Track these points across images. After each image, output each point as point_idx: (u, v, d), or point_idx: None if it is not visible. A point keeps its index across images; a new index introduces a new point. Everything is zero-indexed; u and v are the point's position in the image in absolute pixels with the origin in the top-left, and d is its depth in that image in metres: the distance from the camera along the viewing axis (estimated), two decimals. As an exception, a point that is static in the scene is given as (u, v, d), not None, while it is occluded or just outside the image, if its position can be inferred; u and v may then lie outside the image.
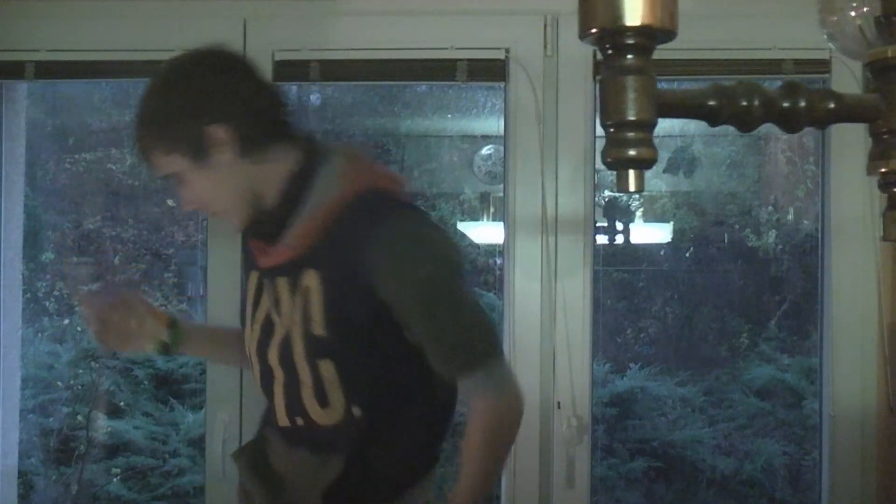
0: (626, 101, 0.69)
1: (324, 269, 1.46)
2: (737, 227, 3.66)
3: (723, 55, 2.27)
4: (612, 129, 0.70)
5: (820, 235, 2.40)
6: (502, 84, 2.32)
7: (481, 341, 1.49)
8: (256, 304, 1.60)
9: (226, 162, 1.46)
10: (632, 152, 0.69)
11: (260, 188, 1.50)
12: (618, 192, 0.66)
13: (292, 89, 2.99)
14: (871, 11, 0.83)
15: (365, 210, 1.46)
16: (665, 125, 3.63)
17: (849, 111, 0.76)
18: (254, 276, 1.61)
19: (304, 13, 2.32)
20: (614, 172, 0.71)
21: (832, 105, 0.75)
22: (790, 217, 3.64)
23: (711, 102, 0.73)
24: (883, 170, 0.77)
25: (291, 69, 2.34)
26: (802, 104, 0.74)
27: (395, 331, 1.47)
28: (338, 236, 1.46)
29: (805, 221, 3.55)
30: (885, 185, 0.79)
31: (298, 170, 1.50)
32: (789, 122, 0.75)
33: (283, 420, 1.56)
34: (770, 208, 3.66)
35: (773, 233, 3.61)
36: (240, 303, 1.70)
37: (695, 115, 0.74)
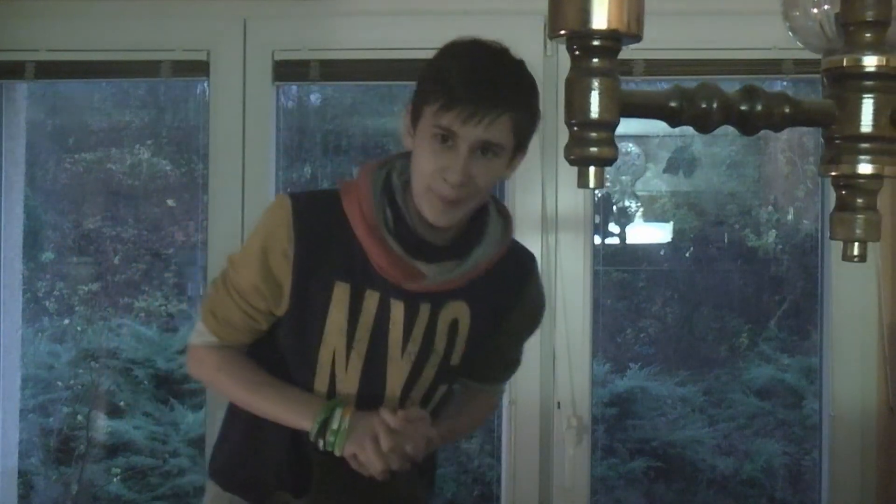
0: (590, 101, 0.71)
1: (474, 304, 1.53)
2: (737, 227, 3.65)
3: (723, 55, 2.27)
4: (575, 128, 0.73)
5: (820, 235, 2.40)
6: (502, 84, 2.32)
7: (515, 370, 1.76)
8: (379, 326, 1.50)
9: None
10: (594, 150, 0.72)
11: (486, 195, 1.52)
12: (578, 187, 0.70)
13: (292, 89, 2.99)
14: (832, 9, 0.85)
15: (516, 260, 1.61)
16: (664, 125, 3.59)
17: (804, 116, 0.79)
18: (373, 296, 1.49)
19: (304, 13, 2.33)
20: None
21: (788, 110, 0.78)
22: (790, 217, 3.63)
23: (672, 104, 0.76)
24: (834, 173, 0.80)
25: (291, 69, 2.34)
26: (759, 108, 0.77)
27: None
28: (495, 279, 1.54)
29: (805, 221, 3.55)
30: (836, 187, 0.82)
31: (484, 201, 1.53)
32: (747, 125, 0.78)
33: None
34: (770, 208, 3.66)
35: (773, 233, 3.61)
36: (310, 312, 1.51)
37: (656, 115, 0.77)
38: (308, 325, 1.50)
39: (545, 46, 2.31)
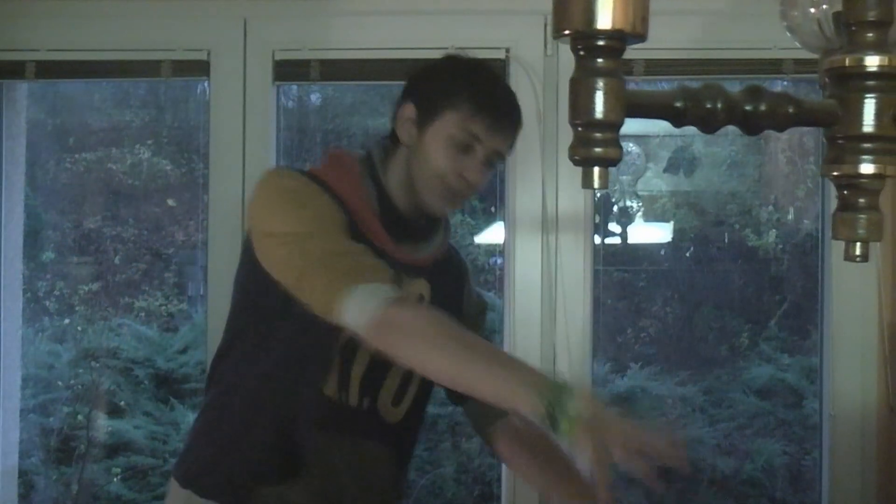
0: (594, 101, 0.71)
1: (434, 283, 1.61)
2: (737, 226, 3.66)
3: (723, 55, 2.27)
4: (579, 128, 0.73)
5: (820, 235, 2.40)
6: (502, 84, 2.32)
7: None
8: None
9: None
10: (598, 151, 0.72)
11: None
12: (583, 187, 0.69)
13: (292, 89, 2.99)
14: (830, 8, 0.85)
15: (458, 258, 1.76)
16: (665, 125, 3.60)
17: (807, 116, 0.79)
18: None
19: (304, 13, 2.33)
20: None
21: (791, 110, 0.78)
22: (790, 217, 3.64)
23: (677, 104, 0.76)
24: (836, 173, 0.80)
25: (291, 69, 2.34)
26: (763, 108, 0.77)
27: None
28: (444, 268, 1.66)
29: (805, 221, 3.55)
30: (838, 187, 0.82)
31: None
32: (750, 125, 0.78)
33: (353, 399, 1.54)
34: (770, 208, 3.66)
35: (773, 233, 3.61)
36: None
37: (661, 115, 0.77)
38: None
39: (545, 46, 2.31)
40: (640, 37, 0.71)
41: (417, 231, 1.60)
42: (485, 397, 1.33)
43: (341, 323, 1.35)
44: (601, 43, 0.71)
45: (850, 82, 0.78)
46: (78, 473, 3.35)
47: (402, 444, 1.65)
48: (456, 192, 1.54)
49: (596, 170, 0.72)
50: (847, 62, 0.77)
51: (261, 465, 1.53)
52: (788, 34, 0.95)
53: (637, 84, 2.29)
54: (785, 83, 2.35)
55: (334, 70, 2.34)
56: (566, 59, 2.36)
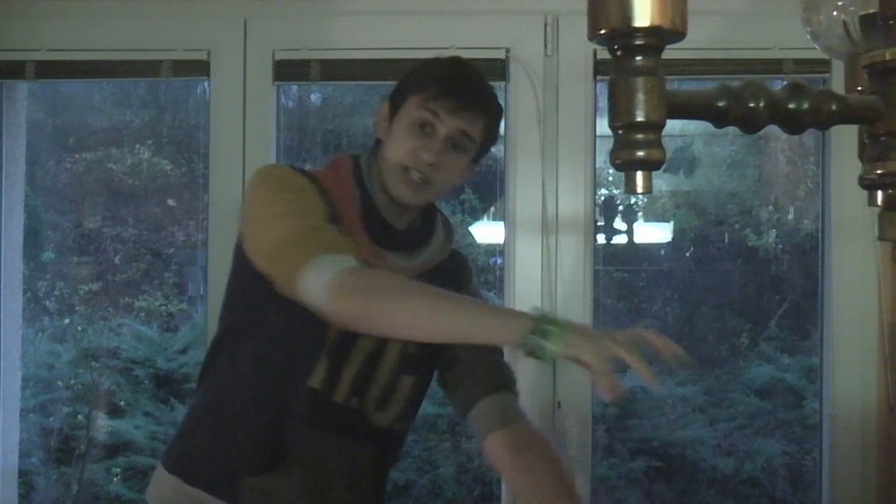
0: (635, 102, 0.69)
1: None
2: (737, 226, 3.66)
3: (723, 55, 2.27)
4: (620, 131, 0.70)
5: (820, 235, 2.40)
6: (502, 84, 2.32)
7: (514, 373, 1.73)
8: None
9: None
10: (641, 153, 0.69)
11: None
12: (626, 193, 0.66)
13: (292, 89, 2.99)
14: (856, 10, 0.84)
15: (456, 261, 1.69)
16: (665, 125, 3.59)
17: (850, 113, 0.76)
18: None
19: (304, 13, 2.33)
20: (618, 172, 0.71)
21: (835, 107, 0.75)
22: (790, 217, 3.64)
23: (720, 103, 0.73)
24: (880, 171, 0.77)
25: (291, 69, 2.34)
26: (806, 106, 0.74)
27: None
28: (438, 276, 1.55)
29: (805, 221, 3.55)
30: (882, 186, 0.79)
31: None
32: (793, 124, 0.75)
33: (340, 396, 1.54)
34: (770, 208, 3.66)
35: (773, 233, 3.61)
36: None
37: (703, 115, 0.74)
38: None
39: (545, 46, 2.31)
40: (680, 34, 0.68)
41: (406, 239, 1.58)
42: (467, 337, 1.34)
43: (303, 296, 1.34)
44: (639, 42, 0.68)
45: (892, 77, 0.75)
46: (78, 473, 3.35)
47: (386, 448, 1.64)
48: (415, 173, 1.51)
49: (639, 173, 0.70)
50: (887, 56, 0.75)
51: (246, 455, 1.54)
52: (810, 38, 0.92)
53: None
54: (785, 83, 2.35)
55: (334, 70, 2.34)
56: (566, 59, 2.36)
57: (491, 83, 1.61)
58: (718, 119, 0.74)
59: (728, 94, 0.73)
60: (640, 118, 0.68)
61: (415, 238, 1.60)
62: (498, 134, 1.63)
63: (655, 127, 0.69)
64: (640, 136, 0.69)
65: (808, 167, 3.53)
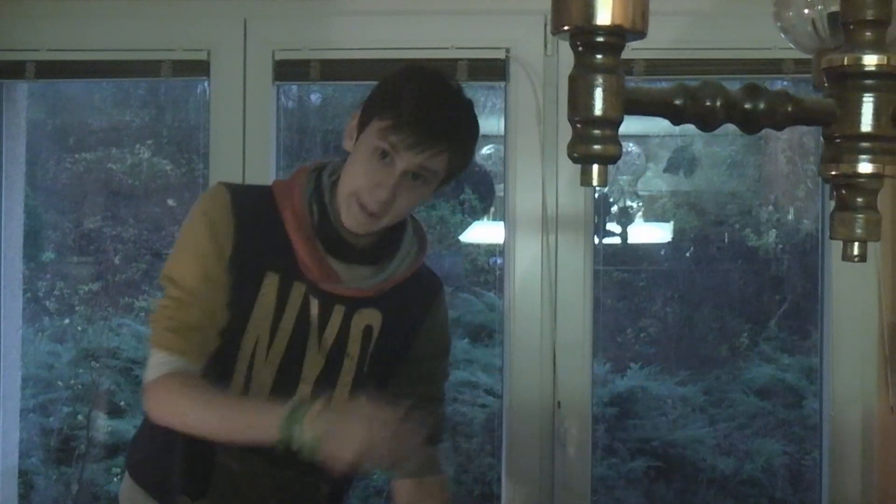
0: (594, 98, 0.71)
1: (387, 313, 1.57)
2: (737, 226, 3.66)
3: (723, 55, 2.27)
4: (578, 125, 0.72)
5: (820, 235, 2.40)
6: (502, 84, 2.32)
7: (444, 425, 1.77)
8: (302, 319, 1.53)
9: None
10: (597, 148, 0.71)
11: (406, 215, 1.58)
12: (582, 185, 0.69)
13: (292, 89, 2.99)
14: (825, 8, 0.85)
15: (427, 281, 1.66)
16: (665, 125, 3.60)
17: (806, 115, 0.78)
18: (299, 288, 1.53)
19: (304, 13, 2.33)
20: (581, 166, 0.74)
21: (790, 108, 0.77)
22: (790, 217, 3.63)
23: (677, 101, 0.75)
24: (834, 172, 0.79)
25: (291, 69, 2.34)
26: (762, 106, 0.76)
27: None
28: (406, 294, 1.59)
29: (805, 221, 3.55)
30: (835, 186, 0.81)
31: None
32: (749, 124, 0.77)
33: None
34: (770, 208, 3.66)
35: (773, 233, 3.61)
36: (238, 300, 1.52)
37: (660, 113, 0.76)
38: (235, 313, 1.51)
39: (545, 46, 2.31)
40: (640, 33, 0.70)
41: (370, 253, 1.54)
42: (238, 439, 1.45)
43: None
44: (600, 39, 0.70)
45: (849, 81, 0.77)
46: (78, 473, 3.35)
47: (332, 479, 1.57)
48: (364, 208, 1.46)
49: (595, 167, 0.72)
50: (845, 61, 0.77)
51: (182, 470, 1.57)
52: (782, 35, 0.95)
53: (637, 84, 2.29)
54: (784, 83, 2.35)
55: (334, 70, 2.34)
56: (566, 59, 2.36)
57: (469, 105, 1.52)
58: (675, 117, 0.76)
59: (685, 93, 0.75)
60: (598, 114, 0.71)
61: (379, 251, 1.56)
62: (469, 161, 1.55)
63: (612, 123, 0.71)
64: (597, 131, 0.71)
65: (808, 167, 3.53)
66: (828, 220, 2.49)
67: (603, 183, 0.72)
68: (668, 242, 3.74)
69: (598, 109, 0.71)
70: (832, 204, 0.83)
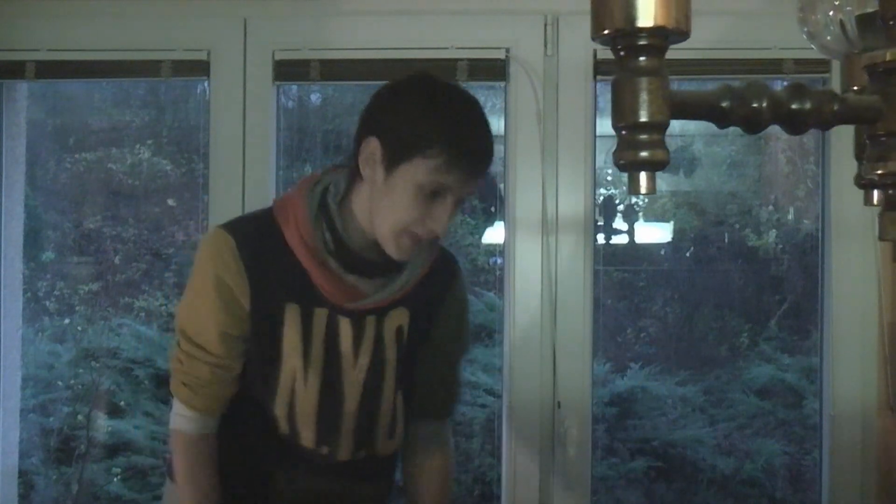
0: (639, 102, 0.69)
1: (412, 308, 1.58)
2: (737, 226, 3.65)
3: (723, 55, 2.27)
4: (624, 132, 0.70)
5: (820, 235, 2.40)
6: (502, 84, 2.32)
7: (459, 397, 1.77)
8: (330, 343, 1.54)
9: None
10: (644, 154, 0.69)
11: None
12: (630, 193, 0.66)
13: (292, 89, 2.99)
14: (853, 10, 0.84)
15: (444, 260, 1.65)
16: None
17: (851, 113, 0.77)
18: (320, 314, 1.53)
19: (304, 13, 2.33)
20: (619, 172, 0.73)
21: (836, 107, 0.75)
22: (790, 217, 3.63)
23: (723, 104, 0.73)
24: (880, 171, 0.77)
25: (291, 69, 2.34)
26: (808, 106, 0.74)
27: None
28: (427, 284, 1.59)
29: (805, 221, 3.54)
30: (882, 186, 0.79)
31: None
32: (795, 124, 0.75)
33: (344, 455, 1.59)
34: (770, 208, 3.65)
35: (773, 233, 3.61)
36: (266, 336, 1.54)
37: (706, 116, 0.74)
38: (265, 348, 1.54)
39: (545, 46, 2.31)
40: (684, 34, 0.68)
41: (385, 265, 1.53)
42: None
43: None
44: (643, 42, 0.68)
45: (893, 78, 0.76)
46: (78, 473, 3.35)
47: (380, 478, 1.68)
48: (419, 240, 1.46)
49: (643, 174, 0.70)
50: (888, 56, 0.75)
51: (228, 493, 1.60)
52: (807, 38, 0.93)
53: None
54: (785, 83, 2.35)
55: (334, 70, 2.34)
56: (566, 59, 2.36)
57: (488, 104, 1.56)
58: (721, 119, 0.74)
59: (731, 95, 0.73)
60: (644, 119, 0.69)
61: (390, 263, 1.53)
62: None
63: (659, 127, 0.69)
64: (643, 136, 0.69)
65: (808, 167, 3.52)
66: (828, 220, 2.48)
67: (652, 190, 0.69)
68: (668, 242, 3.74)
69: (643, 114, 0.68)
70: (831, 205, 0.82)
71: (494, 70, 2.30)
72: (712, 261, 3.72)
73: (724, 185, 3.72)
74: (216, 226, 1.56)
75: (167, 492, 1.73)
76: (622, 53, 0.69)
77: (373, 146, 1.43)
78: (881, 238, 0.80)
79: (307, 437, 1.56)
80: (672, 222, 3.74)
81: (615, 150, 0.70)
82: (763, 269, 3.63)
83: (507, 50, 2.30)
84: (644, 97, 0.68)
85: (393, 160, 1.41)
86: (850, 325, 2.30)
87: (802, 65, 2.24)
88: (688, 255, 3.78)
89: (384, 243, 1.47)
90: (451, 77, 2.28)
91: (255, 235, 1.52)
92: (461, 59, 2.28)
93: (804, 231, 3.53)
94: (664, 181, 3.66)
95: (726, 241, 3.68)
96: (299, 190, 1.53)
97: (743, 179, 3.75)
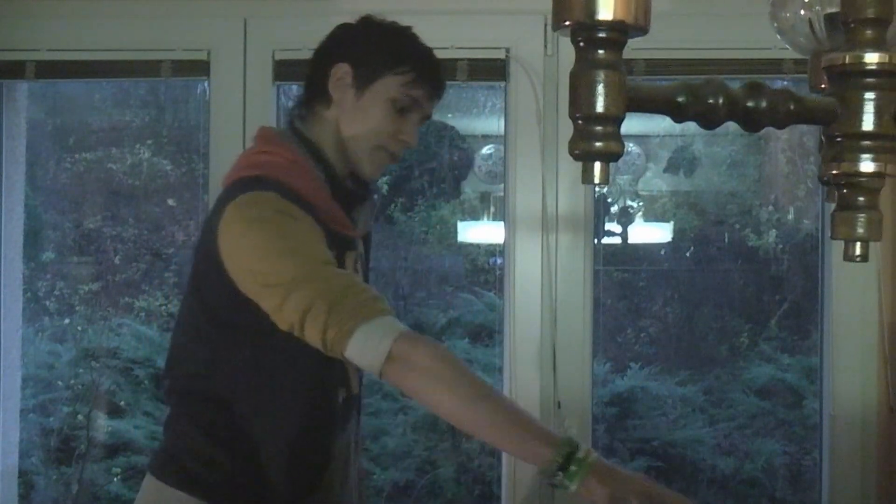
0: (595, 94, 0.70)
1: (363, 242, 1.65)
2: (737, 226, 3.66)
3: (723, 55, 2.27)
4: (580, 122, 0.71)
5: (820, 235, 2.40)
6: (502, 84, 2.32)
7: None
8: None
9: None
10: (599, 145, 0.71)
11: None
12: (583, 183, 0.68)
13: (292, 89, 2.99)
14: (822, 9, 0.85)
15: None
16: (665, 125, 3.64)
17: (807, 113, 0.78)
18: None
19: (304, 13, 2.33)
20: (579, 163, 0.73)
21: (792, 106, 0.77)
22: (790, 217, 3.64)
23: (679, 99, 0.74)
24: (835, 171, 0.79)
25: (291, 69, 2.34)
26: (764, 105, 0.76)
27: None
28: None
29: (805, 221, 3.55)
30: (837, 186, 0.81)
31: None
32: (751, 122, 0.77)
33: (355, 388, 1.61)
34: (770, 208, 3.66)
35: (773, 233, 3.61)
36: None
37: (662, 110, 0.75)
38: None
39: (545, 46, 2.31)
40: (642, 29, 0.70)
41: (360, 192, 1.60)
42: (496, 445, 1.48)
43: (351, 360, 1.36)
44: (602, 35, 0.70)
45: (850, 80, 0.77)
46: (78, 473, 3.35)
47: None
48: (392, 154, 1.57)
49: (596, 164, 0.71)
50: (846, 60, 0.76)
51: (276, 484, 1.51)
52: (778, 36, 0.95)
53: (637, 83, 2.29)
54: (785, 83, 2.35)
55: (334, 70, 2.34)
56: (566, 58, 2.36)
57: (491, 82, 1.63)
58: (678, 114, 0.75)
59: (688, 91, 0.75)
60: (599, 110, 0.70)
61: (361, 193, 1.61)
62: None
63: (615, 119, 0.71)
64: (598, 128, 0.71)
65: (808, 167, 3.52)
66: (828, 220, 2.48)
67: (605, 181, 0.71)
68: (668, 242, 3.74)
69: (599, 106, 0.70)
70: (832, 204, 0.83)
71: (494, 70, 2.30)
72: (712, 261, 3.73)
73: (724, 185, 3.72)
74: (242, 195, 1.45)
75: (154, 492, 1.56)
76: (581, 46, 0.71)
77: (343, 70, 1.56)
78: (833, 237, 0.82)
79: (354, 383, 1.59)
80: (672, 222, 3.74)
81: (570, 140, 0.72)
82: (763, 269, 3.64)
83: (507, 50, 2.30)
84: (600, 89, 0.70)
85: (365, 80, 1.54)
86: (850, 325, 2.30)
87: (802, 65, 2.23)
88: (688, 255, 3.78)
89: (359, 162, 1.56)
90: (452, 77, 2.28)
91: (284, 192, 1.45)
92: (461, 59, 2.28)
93: (804, 231, 3.53)
94: (664, 181, 3.67)
95: (726, 241, 3.68)
96: (268, 135, 1.59)
97: (743, 179, 3.75)
